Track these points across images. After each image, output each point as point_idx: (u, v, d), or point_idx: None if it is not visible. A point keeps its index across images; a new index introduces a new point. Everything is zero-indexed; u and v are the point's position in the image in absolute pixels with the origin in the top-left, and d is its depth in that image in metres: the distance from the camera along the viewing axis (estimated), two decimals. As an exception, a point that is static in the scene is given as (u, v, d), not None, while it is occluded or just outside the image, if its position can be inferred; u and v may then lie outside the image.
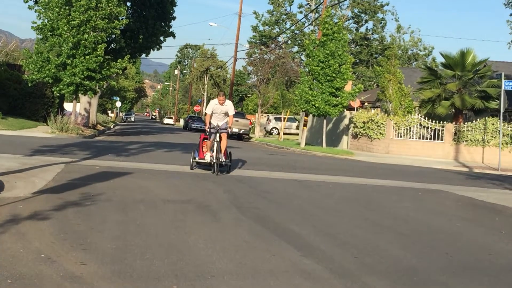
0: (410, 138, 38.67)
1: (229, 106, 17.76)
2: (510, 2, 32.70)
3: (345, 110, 40.73)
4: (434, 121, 38.19)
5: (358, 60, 75.89)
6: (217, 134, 17.33)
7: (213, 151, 17.30)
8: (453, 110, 40.11)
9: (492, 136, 36.78)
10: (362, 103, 48.31)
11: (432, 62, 66.53)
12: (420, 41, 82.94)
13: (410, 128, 38.62)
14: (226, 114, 17.80)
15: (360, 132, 39.40)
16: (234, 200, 12.00)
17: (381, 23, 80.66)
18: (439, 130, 38.19)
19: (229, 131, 18.62)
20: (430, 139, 38.42)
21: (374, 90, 53.32)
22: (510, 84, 32.85)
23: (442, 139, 38.13)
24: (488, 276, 7.25)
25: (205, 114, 18.97)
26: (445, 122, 38.30)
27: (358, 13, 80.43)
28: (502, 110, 32.13)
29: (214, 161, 16.98)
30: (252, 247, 7.71)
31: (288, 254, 7.41)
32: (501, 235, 10.65)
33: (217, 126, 17.46)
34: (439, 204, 14.61)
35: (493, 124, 36.78)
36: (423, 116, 38.95)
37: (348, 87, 41.00)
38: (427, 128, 38.42)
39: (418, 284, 6.48)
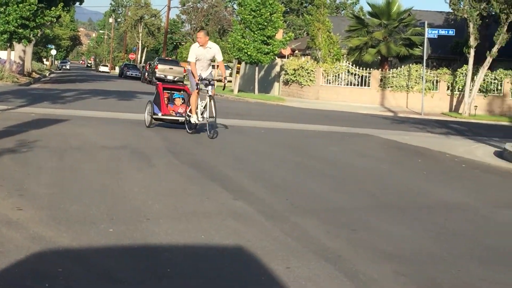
0: (338, 84, 39.04)
1: (215, 50, 13.99)
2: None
3: (276, 57, 40.79)
4: (361, 68, 38.60)
5: (288, 9, 75.60)
6: (209, 88, 13.79)
7: (201, 109, 13.81)
8: (379, 57, 40.60)
9: (416, 82, 37.43)
10: (293, 51, 48.34)
11: (359, 11, 66.59)
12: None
13: (338, 75, 38.96)
14: (211, 62, 14.35)
15: (291, 79, 39.54)
16: (169, 146, 11.94)
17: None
18: (366, 76, 38.63)
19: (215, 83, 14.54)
20: (358, 85, 38.85)
21: (304, 38, 53.35)
22: (433, 32, 33.43)
23: (369, 85, 38.61)
24: (408, 213, 7.43)
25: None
26: (371, 69, 38.75)
27: (288, -37, 79.94)
28: (425, 57, 32.70)
29: (200, 120, 13.74)
30: (187, 191, 7.70)
31: (221, 197, 7.43)
32: (422, 176, 10.92)
33: (200, 76, 13.76)
34: (365, 147, 14.86)
35: (416, 70, 37.38)
36: (351, 63, 39.30)
37: (279, 36, 40.98)
38: (355, 75, 38.82)
39: (344, 222, 6.59)
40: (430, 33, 32.85)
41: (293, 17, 75.97)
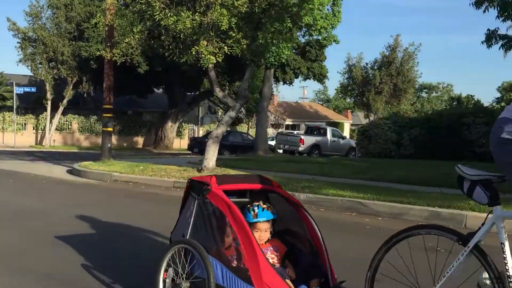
0: None
1: None
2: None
3: None
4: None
5: None
6: None
7: None
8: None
9: (9, 125, 34.83)
10: None
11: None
12: None
13: None
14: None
15: None
16: None
17: None
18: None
19: None
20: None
21: None
22: (20, 89, 31.83)
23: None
24: (3, 219, 6.86)
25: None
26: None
27: None
28: (15, 107, 30.86)
29: None
30: None
31: None
32: (12, 190, 10.17)
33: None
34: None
35: (9, 116, 34.80)
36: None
37: None
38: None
39: None
40: (18, 90, 31.05)
41: None
